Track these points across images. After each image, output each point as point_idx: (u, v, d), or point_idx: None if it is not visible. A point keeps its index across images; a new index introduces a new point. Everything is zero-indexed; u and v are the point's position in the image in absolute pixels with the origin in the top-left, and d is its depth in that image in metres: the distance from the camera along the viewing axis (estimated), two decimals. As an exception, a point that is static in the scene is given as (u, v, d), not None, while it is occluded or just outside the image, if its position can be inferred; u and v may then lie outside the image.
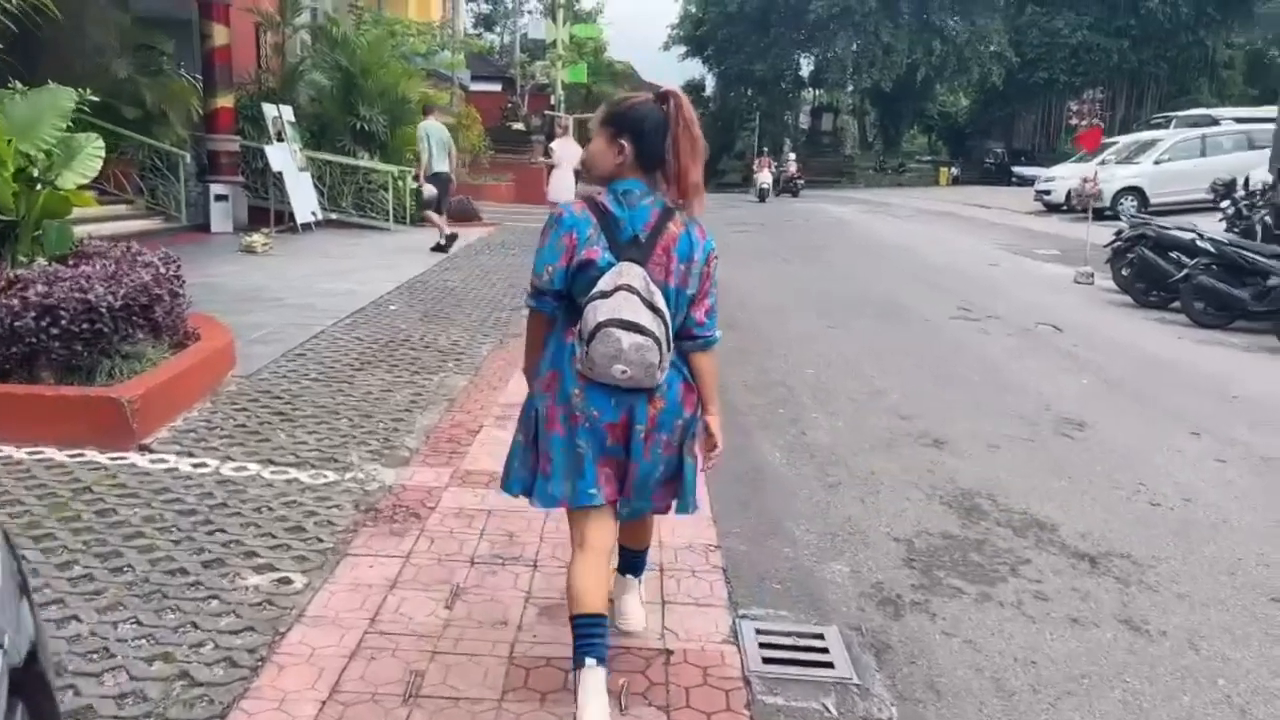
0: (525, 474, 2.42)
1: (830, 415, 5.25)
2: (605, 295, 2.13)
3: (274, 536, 3.18)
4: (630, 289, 2.13)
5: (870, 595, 3.15)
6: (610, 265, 2.18)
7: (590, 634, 2.22)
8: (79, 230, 10.74)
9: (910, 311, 8.96)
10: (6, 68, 11.91)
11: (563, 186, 13.74)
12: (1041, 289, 10.96)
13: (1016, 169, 42.63)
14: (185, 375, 4.33)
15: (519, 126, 26.81)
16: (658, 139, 2.24)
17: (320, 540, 3.18)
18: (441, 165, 11.82)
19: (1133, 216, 11.41)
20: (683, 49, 50.67)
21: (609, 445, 2.26)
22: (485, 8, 51.79)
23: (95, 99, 5.66)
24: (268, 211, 13.25)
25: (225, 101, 13.37)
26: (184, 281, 4.93)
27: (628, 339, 2.10)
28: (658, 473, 2.31)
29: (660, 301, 2.15)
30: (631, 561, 2.70)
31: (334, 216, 14.34)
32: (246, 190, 13.81)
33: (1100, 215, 20.72)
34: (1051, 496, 4.19)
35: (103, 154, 5.22)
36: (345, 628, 2.64)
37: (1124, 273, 10.76)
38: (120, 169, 12.26)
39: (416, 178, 12.09)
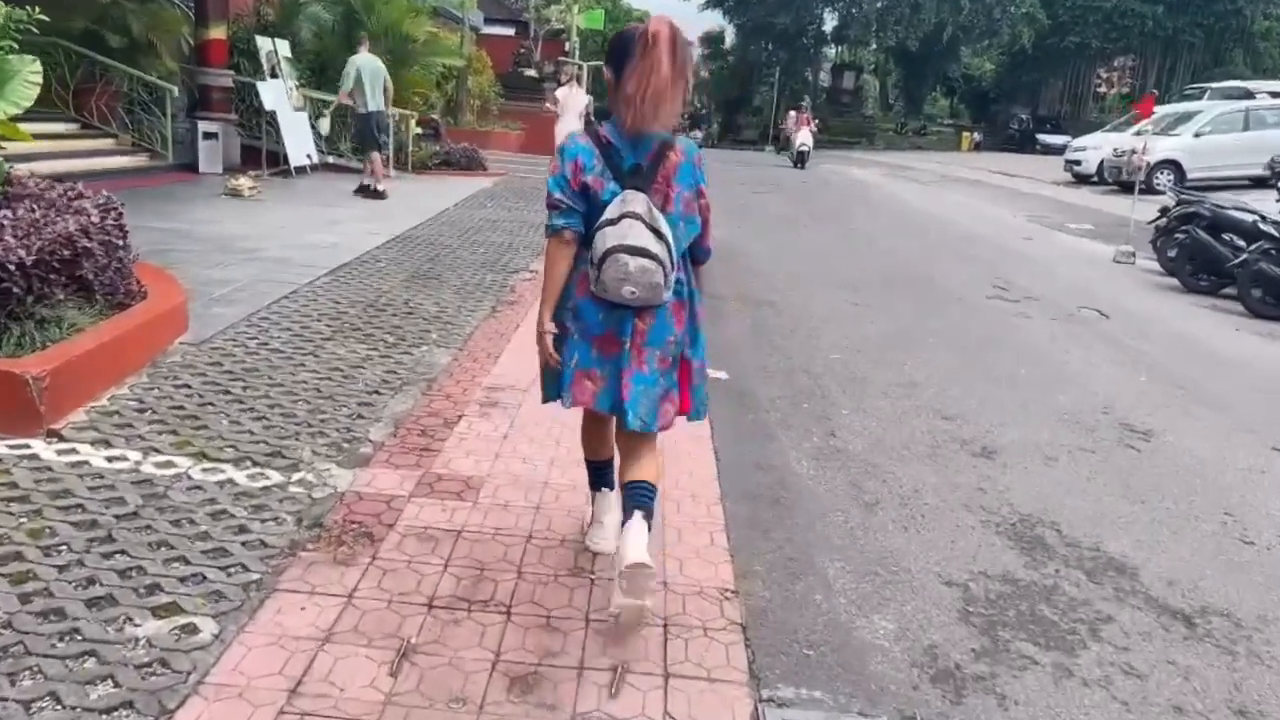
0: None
1: (862, 413, 4.61)
2: (613, 223, 2.29)
3: (188, 562, 2.57)
4: (635, 215, 2.28)
5: (923, 665, 2.53)
6: (615, 194, 2.32)
7: (601, 472, 2.81)
8: (49, 166, 10.13)
9: (942, 288, 8.27)
10: (-16, -12, 11.18)
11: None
12: (1079, 267, 10.24)
13: (1042, 136, 41.46)
14: (116, 344, 3.69)
15: (531, 73, 25.85)
16: (628, 65, 2.31)
17: (245, 569, 2.57)
18: (376, 103, 10.91)
19: (1181, 193, 10.63)
20: (703, -1, 49.14)
21: (593, 356, 2.45)
22: (502, -52, 50.14)
23: (45, 18, 4.91)
24: (261, 152, 12.50)
25: (218, 33, 12.59)
26: (126, 231, 4.27)
27: (634, 262, 2.26)
28: (656, 388, 2.46)
29: (663, 226, 2.30)
30: (640, 496, 2.49)
31: (331, 160, 13.61)
32: (240, 129, 13.06)
33: (1131, 188, 19.93)
34: (1125, 527, 3.57)
35: (39, 80, 4.51)
36: (254, 704, 2.04)
37: (1170, 254, 10.03)
38: (104, 101, 11.53)
39: (344, 112, 11.05)
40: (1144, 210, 11.62)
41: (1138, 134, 21.45)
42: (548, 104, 16.23)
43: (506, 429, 3.78)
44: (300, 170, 12.55)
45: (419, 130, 15.15)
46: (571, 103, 13.70)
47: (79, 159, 10.79)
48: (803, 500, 3.48)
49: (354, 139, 11.41)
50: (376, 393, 4.06)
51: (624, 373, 2.42)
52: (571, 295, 2.42)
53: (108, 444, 3.22)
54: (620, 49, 2.35)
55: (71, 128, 11.45)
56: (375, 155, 10.89)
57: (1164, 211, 10.78)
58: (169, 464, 3.13)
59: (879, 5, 40.99)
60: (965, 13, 41.32)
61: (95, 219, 3.90)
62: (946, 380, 5.34)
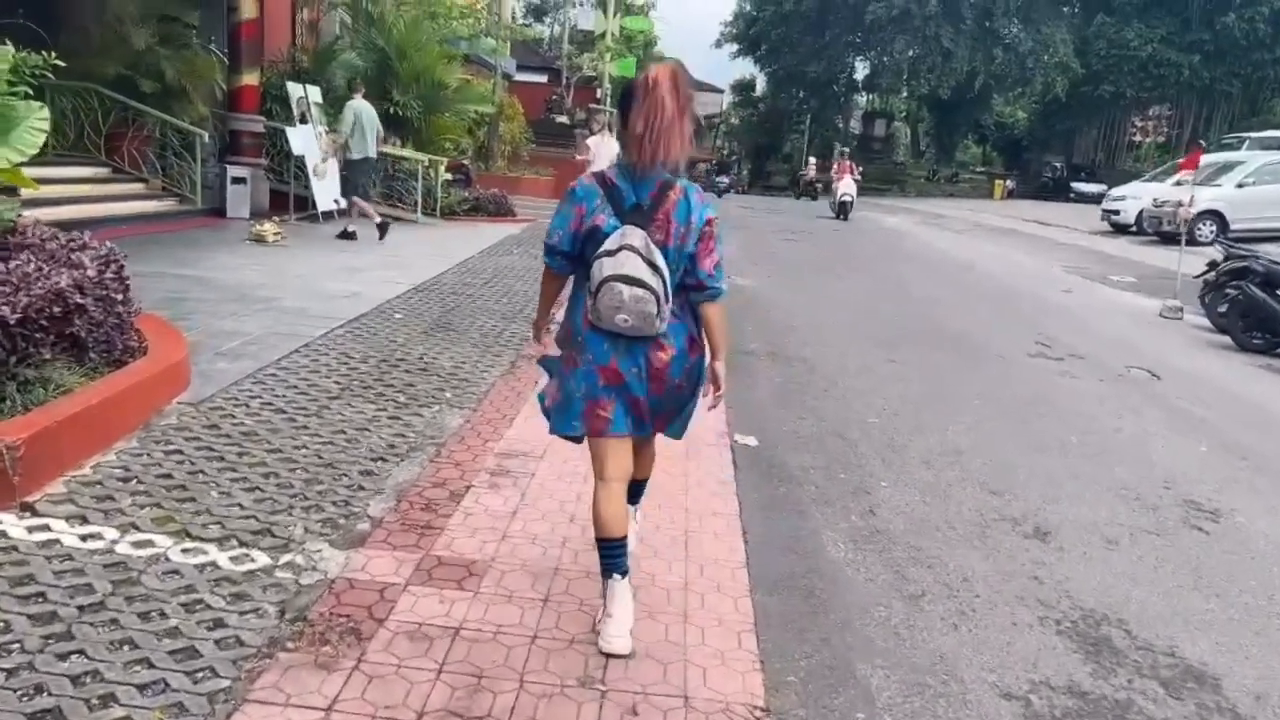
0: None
1: (903, 485, 4.27)
2: (610, 254, 2.41)
3: (151, 665, 2.29)
4: (632, 248, 2.40)
5: (984, 805, 2.19)
6: (615, 229, 2.44)
7: (614, 554, 2.60)
8: (79, 211, 10.15)
9: (981, 345, 7.92)
10: (25, 33, 11.33)
11: (600, 183, 12.86)
12: (1124, 323, 9.84)
13: (1076, 185, 41.04)
14: (105, 406, 3.46)
15: (563, 120, 25.99)
16: (631, 111, 2.46)
17: (214, 674, 2.29)
18: (372, 149, 10.92)
19: (1231, 247, 10.22)
20: (734, 47, 49.56)
21: (600, 386, 2.54)
22: (536, -2, 51.08)
23: (61, 63, 4.80)
24: (289, 197, 12.48)
25: (250, 79, 12.66)
26: (127, 284, 4.08)
27: (628, 291, 2.38)
28: (675, 407, 2.67)
29: (659, 259, 2.41)
30: (633, 492, 2.89)
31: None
32: (269, 174, 13.08)
33: (1172, 240, 19.46)
34: (1201, 626, 3.19)
35: (46, 126, 4.37)
36: None
37: (1221, 309, 9.61)
38: (135, 146, 11.60)
39: (344, 159, 11.06)
40: (1190, 263, 11.21)
41: (1178, 184, 21.07)
42: (579, 153, 16.18)
43: (517, 503, 3.50)
44: (328, 215, 12.50)
45: (448, 176, 15.12)
46: (603, 150, 13.59)
47: (108, 203, 10.82)
48: (841, 591, 3.15)
49: (344, 183, 11.34)
50: (381, 459, 3.80)
51: (639, 400, 2.56)
52: (580, 328, 2.55)
53: (84, 519, 2.97)
54: (628, 95, 2.49)
55: (102, 172, 11.51)
56: (361, 201, 10.97)
57: (1212, 265, 10.38)
58: (147, 543, 2.87)
59: (911, 54, 40.99)
60: (998, 61, 41.21)
61: (91, 273, 3.71)
62: (991, 448, 5.00)
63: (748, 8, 47.68)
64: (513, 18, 31.60)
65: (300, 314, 6.23)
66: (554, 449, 4.10)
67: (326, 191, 12.62)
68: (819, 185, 33.41)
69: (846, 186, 22.51)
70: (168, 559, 2.80)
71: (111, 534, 2.90)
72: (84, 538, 2.86)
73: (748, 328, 7.69)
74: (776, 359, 6.63)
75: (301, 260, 8.68)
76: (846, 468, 4.45)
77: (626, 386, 2.53)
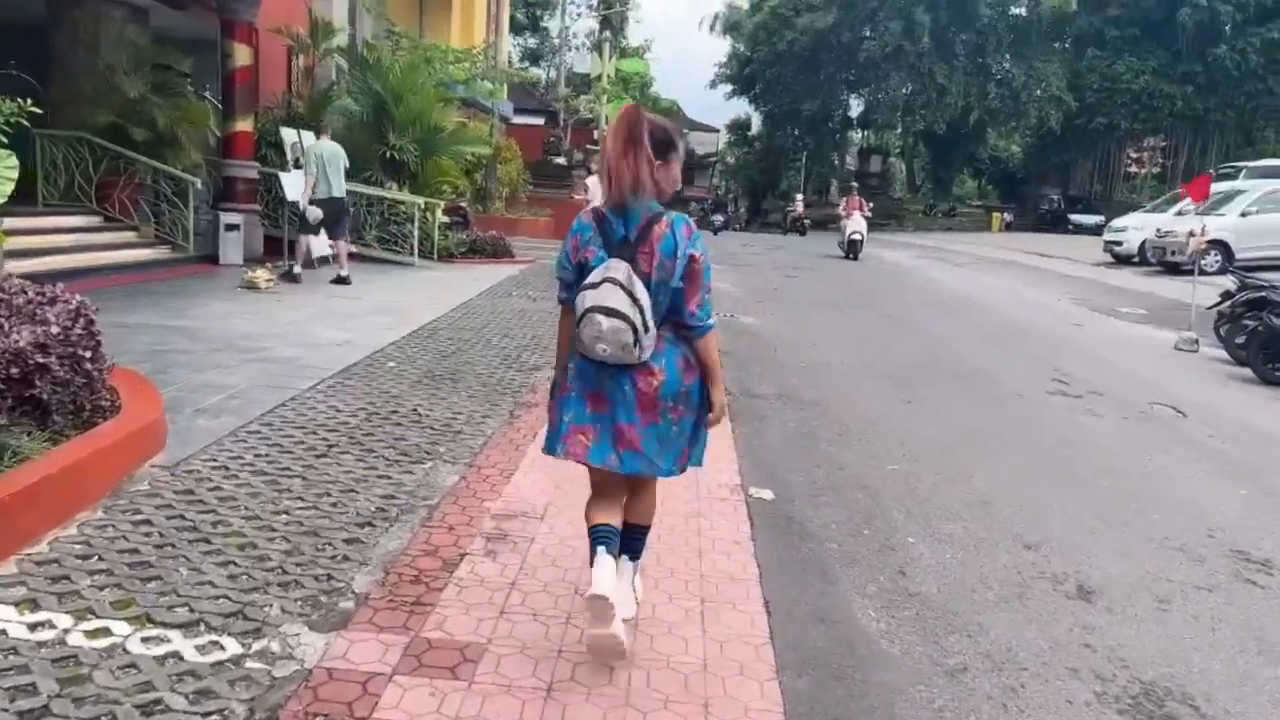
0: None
1: (933, 541, 3.97)
2: (594, 286, 2.48)
3: (94, 784, 1.99)
4: (613, 281, 2.46)
5: None
6: (603, 261, 2.52)
7: (601, 534, 2.64)
8: (69, 261, 9.93)
9: (997, 382, 7.65)
10: (16, 84, 11.22)
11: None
12: (1140, 357, 9.58)
13: (1074, 216, 41.08)
14: (66, 475, 3.18)
15: (560, 161, 25.95)
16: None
17: (167, 793, 1.98)
18: (339, 189, 10.75)
19: (1246, 277, 10.00)
20: (729, 87, 49.95)
21: (586, 414, 2.62)
22: (532, 42, 51.58)
23: (37, 110, 4.57)
24: (283, 243, 12.27)
25: (244, 125, 12.54)
26: (98, 340, 3.81)
27: (607, 323, 2.45)
28: (670, 434, 2.63)
29: (640, 291, 2.46)
30: (630, 541, 2.83)
31: (354, 250, 13.38)
32: (264, 220, 12.90)
33: (1176, 270, 19.27)
34: (1275, 699, 2.88)
35: (15, 175, 4.13)
36: None
37: (1239, 340, 9.37)
38: (127, 194, 11.43)
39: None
40: (1199, 294, 10.98)
41: (1179, 214, 20.98)
42: (576, 193, 16.07)
43: (515, 572, 3.20)
44: (323, 260, 12.28)
45: (445, 219, 14.96)
46: (601, 191, 13.47)
47: (99, 252, 10.61)
48: (876, 669, 2.84)
49: (301, 223, 11.02)
50: (369, 524, 3.51)
51: (628, 427, 2.59)
52: (573, 355, 2.65)
53: (35, 605, 2.68)
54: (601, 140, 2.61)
55: (93, 221, 11.33)
56: (306, 240, 10.78)
57: (1226, 296, 10.15)
58: (103, 631, 2.57)
59: (905, 90, 41.26)
60: (991, 96, 41.50)
61: (56, 330, 3.44)
62: (1020, 495, 4.70)
63: (741, 48, 48.11)
64: (509, 62, 31.82)
65: (289, 364, 5.96)
66: (555, 508, 3.81)
67: (321, 237, 12.42)
68: (807, 221, 34.71)
69: (856, 224, 21.11)
70: (125, 650, 2.50)
71: (64, 621, 2.60)
72: (32, 626, 2.56)
73: (755, 369, 7.43)
74: (787, 402, 6.36)
75: (293, 307, 8.44)
76: (869, 521, 4.15)
77: (613, 415, 2.60)
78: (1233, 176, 25.68)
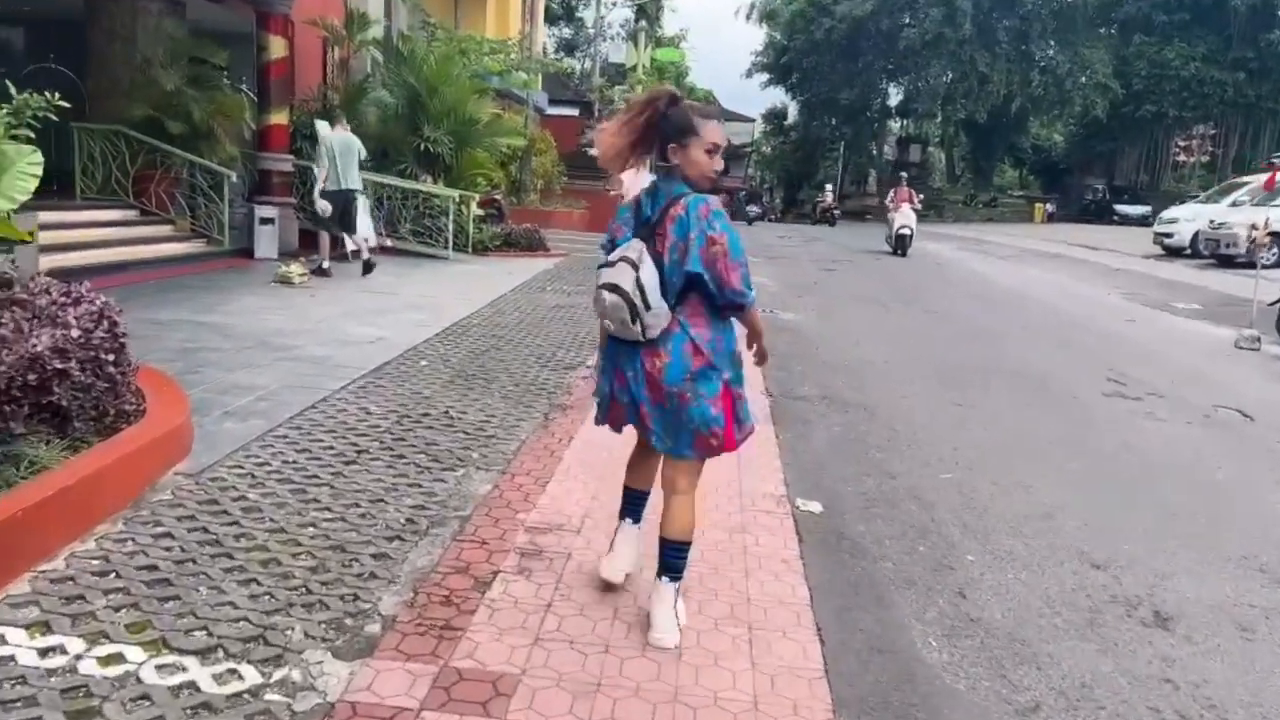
0: None
1: (993, 559, 3.73)
2: (610, 265, 2.64)
3: (97, 837, 1.83)
4: (627, 259, 2.60)
5: None
6: (628, 240, 2.69)
7: (633, 501, 3.05)
8: (106, 255, 9.93)
9: (1051, 383, 7.33)
10: (55, 78, 11.25)
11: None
12: (1197, 355, 9.18)
13: (1119, 207, 40.17)
14: (85, 485, 3.05)
15: (595, 152, 25.72)
16: None
17: None
18: (350, 180, 10.51)
19: (1311, 271, 9.55)
20: (765, 76, 49.40)
21: (617, 387, 2.79)
22: (567, 32, 51.40)
23: (65, 104, 4.45)
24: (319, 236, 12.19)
25: (280, 118, 12.51)
26: (122, 342, 3.70)
27: (609, 298, 2.60)
28: (678, 417, 2.66)
29: (646, 270, 2.58)
30: (665, 558, 2.78)
31: (389, 243, 13.31)
32: (299, 213, 12.86)
33: (1230, 263, 18.63)
34: (1383, 747, 2.62)
35: (39, 172, 4.01)
36: None
37: (1302, 338, 8.98)
38: (163, 188, 11.42)
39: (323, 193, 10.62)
40: (1261, 289, 10.53)
41: (1234, 205, 20.31)
42: (612, 187, 15.89)
43: (550, 593, 3.01)
44: (356, 254, 12.22)
45: (479, 212, 14.84)
46: (636, 183, 13.25)
47: (135, 246, 10.61)
48: (942, 708, 2.62)
49: (315, 217, 10.87)
50: (398, 538, 3.34)
51: (641, 405, 2.71)
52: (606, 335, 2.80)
53: (47, 628, 2.54)
54: None
55: (129, 215, 11.33)
56: (325, 235, 10.59)
57: (1289, 291, 9.74)
58: (116, 658, 2.43)
59: (946, 78, 40.48)
60: (1035, 84, 40.60)
61: (76, 333, 3.32)
62: (1083, 508, 4.43)
63: (778, 37, 47.51)
64: (544, 52, 31.64)
65: (320, 364, 5.84)
66: (592, 519, 3.63)
67: (359, 229, 12.36)
68: (837, 212, 35.91)
69: (905, 217, 19.26)
70: (138, 679, 2.35)
71: (76, 646, 2.46)
72: (43, 652, 2.43)
73: (797, 368, 7.19)
74: (832, 404, 6.11)
75: (326, 302, 8.34)
76: (925, 537, 3.91)
77: (629, 389, 2.73)
78: (1287, 165, 24.88)
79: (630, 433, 2.91)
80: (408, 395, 5.29)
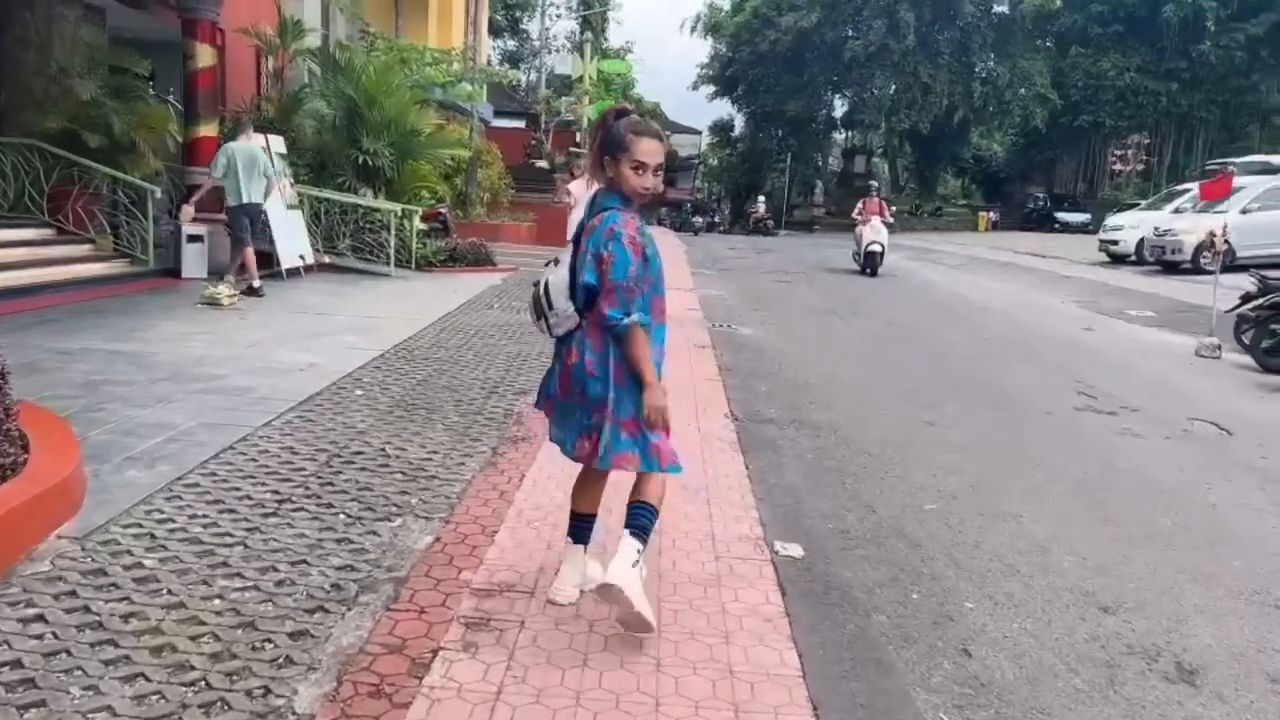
0: None
1: (994, 605, 3.37)
2: (546, 264, 2.90)
3: None
4: (557, 261, 2.85)
5: None
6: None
7: (579, 525, 3.01)
8: (16, 278, 9.21)
9: (1020, 398, 7.08)
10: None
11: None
12: (1161, 364, 9.04)
13: (1060, 215, 40.82)
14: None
15: (542, 164, 25.28)
16: None
17: None
18: (253, 194, 9.68)
19: (1266, 278, 9.48)
20: (711, 89, 49.39)
21: (549, 374, 2.97)
22: (512, 45, 50.93)
23: None
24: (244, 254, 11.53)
25: (209, 130, 11.87)
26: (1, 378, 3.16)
27: (530, 294, 2.89)
28: (573, 416, 2.82)
29: (559, 273, 2.78)
30: (634, 517, 2.79)
31: (327, 260, 12.70)
32: (230, 230, 12.18)
33: (1174, 269, 18.83)
34: None
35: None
36: None
37: (1265, 345, 8.88)
38: (81, 205, 10.69)
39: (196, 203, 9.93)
40: (1198, 294, 10.47)
41: (1176, 211, 20.57)
42: (562, 196, 15.47)
43: (501, 675, 2.56)
44: (293, 272, 11.63)
45: (423, 226, 14.30)
46: (584, 197, 12.92)
47: (51, 268, 9.89)
48: (965, 806, 2.23)
49: (233, 233, 10.10)
50: (321, 609, 2.86)
51: (550, 398, 2.92)
52: None
53: None
54: None
55: (45, 234, 10.60)
56: (248, 251, 9.65)
57: (1247, 298, 9.65)
58: (-50, 796, 1.93)
59: (890, 90, 40.84)
60: (977, 95, 41.17)
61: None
62: (1077, 538, 4.11)
63: (723, 49, 47.58)
64: (488, 63, 31.12)
65: (243, 396, 5.30)
66: (546, 574, 3.19)
67: (291, 246, 11.76)
68: (770, 222, 37.67)
69: (876, 232, 16.61)
70: (-24, 825, 1.85)
71: (-101, 781, 1.96)
72: None
73: (760, 387, 6.82)
74: (801, 427, 5.75)
75: (256, 325, 7.77)
76: (917, 580, 3.54)
77: (550, 379, 2.91)
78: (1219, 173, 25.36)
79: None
80: (340, 430, 4.79)
